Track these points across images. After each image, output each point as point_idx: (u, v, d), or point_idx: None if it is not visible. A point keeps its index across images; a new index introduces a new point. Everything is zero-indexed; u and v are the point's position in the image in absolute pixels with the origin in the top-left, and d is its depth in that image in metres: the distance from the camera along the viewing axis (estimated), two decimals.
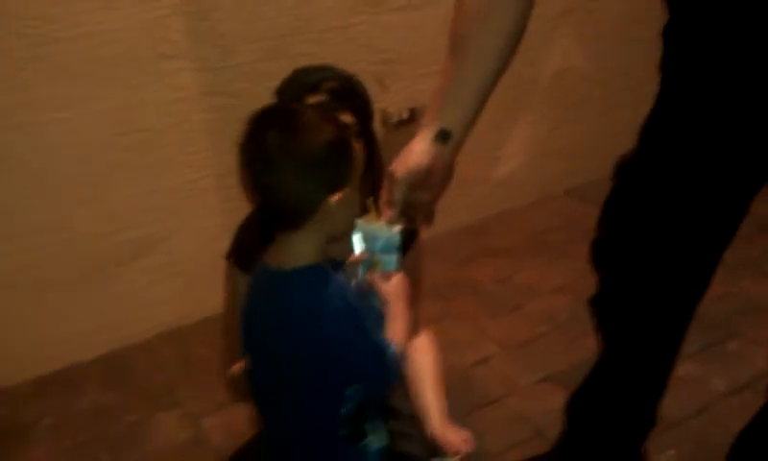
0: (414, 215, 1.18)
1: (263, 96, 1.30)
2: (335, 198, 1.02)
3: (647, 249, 1.28)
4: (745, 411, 1.38)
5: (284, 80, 1.35)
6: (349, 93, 1.31)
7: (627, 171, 1.31)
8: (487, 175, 2.84)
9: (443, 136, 1.12)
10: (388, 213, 1.14)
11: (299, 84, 1.31)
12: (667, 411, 1.52)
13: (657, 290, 1.30)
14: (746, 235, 1.31)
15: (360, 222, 1.14)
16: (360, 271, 1.13)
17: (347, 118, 1.22)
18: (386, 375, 1.08)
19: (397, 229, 1.13)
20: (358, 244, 1.14)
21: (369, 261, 1.13)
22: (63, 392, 2.16)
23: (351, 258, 1.13)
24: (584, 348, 1.58)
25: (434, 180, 1.14)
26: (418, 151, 1.12)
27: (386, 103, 2.49)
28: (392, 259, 1.13)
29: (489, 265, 2.63)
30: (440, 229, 2.76)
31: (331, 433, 1.10)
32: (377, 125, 2.42)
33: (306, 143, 1.00)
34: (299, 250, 1.05)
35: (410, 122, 2.53)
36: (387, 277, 1.13)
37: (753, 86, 1.08)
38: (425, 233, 1.42)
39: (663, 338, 1.38)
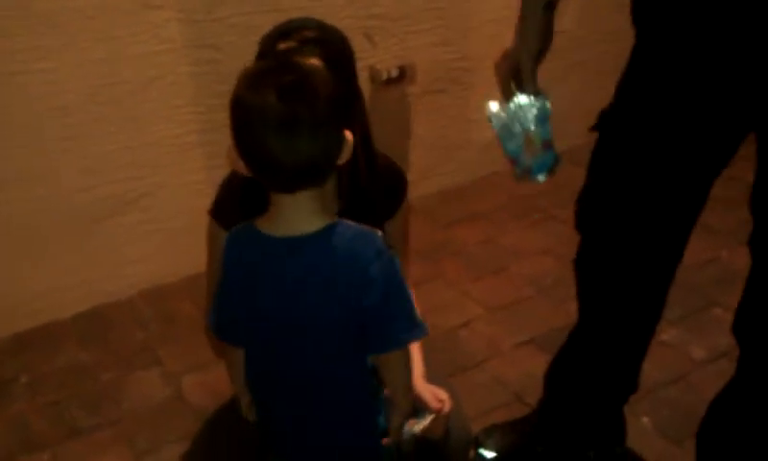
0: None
1: (251, 51, 1.27)
2: (349, 138, 1.02)
3: (626, 205, 1.28)
4: (721, 380, 1.39)
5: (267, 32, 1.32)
6: (325, 43, 1.26)
7: (607, 124, 1.30)
8: (474, 137, 2.82)
9: (549, 6, 1.22)
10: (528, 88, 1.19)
11: (274, 31, 1.28)
12: (644, 378, 1.53)
13: (637, 247, 1.31)
14: (730, 203, 1.31)
15: (495, 110, 1.11)
16: (522, 158, 1.13)
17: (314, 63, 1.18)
18: (415, 329, 1.07)
19: (542, 96, 1.14)
20: (503, 130, 1.12)
21: (524, 141, 1.11)
22: (42, 348, 2.13)
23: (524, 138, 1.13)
24: (567, 312, 1.58)
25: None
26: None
27: (375, 60, 2.46)
28: (547, 129, 1.12)
29: (474, 228, 2.62)
30: (425, 191, 2.75)
31: (364, 386, 1.11)
32: (365, 82, 2.39)
33: (320, 95, 0.96)
34: (312, 210, 1.01)
35: (399, 80, 2.49)
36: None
37: (727, 33, 1.06)
38: (412, 194, 1.41)
39: (645, 297, 1.39)
